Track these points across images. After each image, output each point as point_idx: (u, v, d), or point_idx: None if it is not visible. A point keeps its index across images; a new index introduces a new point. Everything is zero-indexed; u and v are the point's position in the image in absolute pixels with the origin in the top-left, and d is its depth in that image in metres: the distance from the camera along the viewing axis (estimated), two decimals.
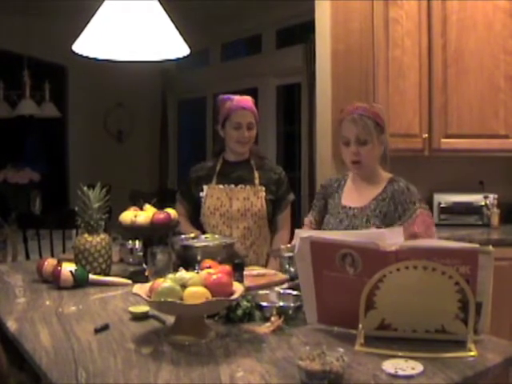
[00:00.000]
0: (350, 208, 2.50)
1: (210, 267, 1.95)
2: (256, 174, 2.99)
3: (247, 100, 2.98)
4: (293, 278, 2.26)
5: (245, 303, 1.87)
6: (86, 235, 2.49)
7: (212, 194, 2.95)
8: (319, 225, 2.62)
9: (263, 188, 2.97)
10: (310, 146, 5.67)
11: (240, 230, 2.93)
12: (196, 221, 3.01)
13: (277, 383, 1.39)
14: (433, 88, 3.68)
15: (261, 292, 2.06)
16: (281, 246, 2.54)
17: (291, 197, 3.09)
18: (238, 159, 3.02)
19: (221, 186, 2.96)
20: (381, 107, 2.58)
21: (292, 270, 2.33)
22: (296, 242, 1.81)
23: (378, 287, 1.61)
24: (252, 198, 2.94)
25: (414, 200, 2.41)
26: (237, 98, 2.97)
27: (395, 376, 1.42)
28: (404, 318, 1.65)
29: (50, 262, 2.44)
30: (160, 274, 2.02)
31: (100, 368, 1.48)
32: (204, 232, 2.89)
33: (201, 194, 2.97)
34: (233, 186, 2.95)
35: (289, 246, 2.41)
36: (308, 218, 2.69)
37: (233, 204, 2.93)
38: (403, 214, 2.39)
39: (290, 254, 2.29)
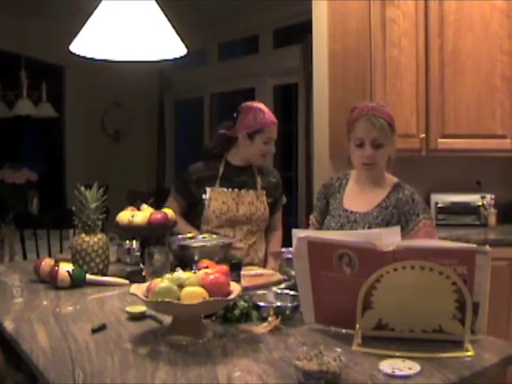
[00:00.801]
0: (351, 212, 2.46)
1: (207, 267, 1.95)
2: (258, 179, 3.02)
3: (271, 112, 3.00)
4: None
5: (242, 303, 1.87)
6: (83, 235, 2.48)
7: (217, 198, 2.94)
8: (321, 225, 2.58)
9: (264, 192, 3.02)
10: (306, 146, 5.68)
11: (243, 232, 2.96)
12: (191, 219, 3.01)
13: (274, 383, 1.39)
14: (430, 88, 3.68)
15: (258, 292, 2.06)
16: (282, 249, 2.52)
17: (284, 198, 3.20)
18: (244, 164, 3.02)
19: (225, 190, 2.96)
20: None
21: (293, 273, 2.15)
22: (293, 241, 1.81)
23: (375, 287, 1.61)
24: (256, 202, 2.98)
25: (417, 211, 2.37)
26: (266, 109, 2.97)
27: (392, 376, 1.42)
28: (401, 318, 1.65)
29: (47, 262, 2.44)
30: (157, 274, 2.02)
31: (97, 368, 1.48)
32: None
33: (204, 196, 2.96)
34: (237, 190, 2.96)
35: (291, 249, 2.38)
36: (312, 218, 2.67)
37: (239, 209, 2.94)
38: (406, 225, 2.34)
39: (291, 255, 2.24)
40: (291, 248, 2.38)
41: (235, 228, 2.95)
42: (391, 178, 2.49)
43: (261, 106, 2.99)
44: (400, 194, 2.41)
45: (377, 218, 2.39)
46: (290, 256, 2.25)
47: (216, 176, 2.98)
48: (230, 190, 2.96)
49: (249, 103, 3.02)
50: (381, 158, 2.39)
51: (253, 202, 2.97)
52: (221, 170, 3.00)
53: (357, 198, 2.50)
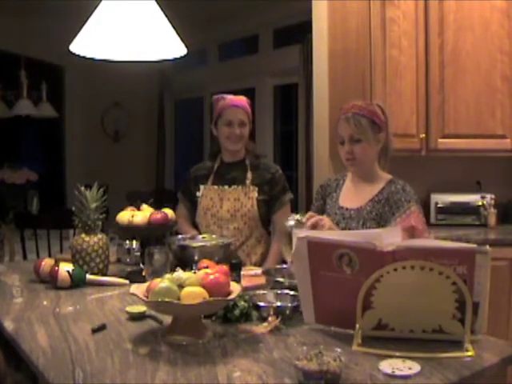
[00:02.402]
0: (346, 209, 2.49)
1: (207, 267, 1.95)
2: (248, 175, 2.96)
3: (240, 99, 2.97)
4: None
5: (242, 303, 1.87)
6: (83, 235, 2.49)
7: (206, 195, 2.96)
8: None
9: (255, 188, 2.92)
10: (306, 146, 5.68)
11: (230, 231, 2.90)
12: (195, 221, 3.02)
13: (274, 383, 1.39)
14: (430, 88, 3.68)
15: (258, 292, 2.05)
16: (275, 266, 2.50)
17: (288, 196, 3.00)
18: (234, 159, 3.00)
19: (215, 187, 2.96)
20: (380, 105, 2.52)
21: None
22: (293, 241, 1.80)
23: (375, 287, 1.61)
24: (242, 198, 2.91)
25: (408, 198, 2.39)
26: (230, 97, 2.96)
27: (392, 376, 1.42)
28: (401, 318, 1.65)
29: (47, 262, 2.44)
30: (157, 274, 2.02)
31: (97, 368, 1.48)
32: (200, 232, 2.90)
33: (197, 193, 2.98)
34: (226, 186, 2.95)
35: (285, 266, 2.35)
36: None
37: (223, 205, 2.92)
38: (397, 210, 2.36)
39: (281, 279, 2.15)
40: (285, 265, 2.39)
41: (222, 228, 2.91)
42: (385, 176, 2.51)
43: (227, 95, 2.98)
44: (392, 187, 2.44)
45: (371, 213, 2.41)
46: (278, 279, 2.17)
47: (210, 174, 3.01)
48: (220, 186, 2.95)
49: (215, 95, 3.03)
50: (360, 153, 2.41)
51: (239, 198, 2.91)
52: (215, 167, 3.02)
53: (351, 194, 2.53)
